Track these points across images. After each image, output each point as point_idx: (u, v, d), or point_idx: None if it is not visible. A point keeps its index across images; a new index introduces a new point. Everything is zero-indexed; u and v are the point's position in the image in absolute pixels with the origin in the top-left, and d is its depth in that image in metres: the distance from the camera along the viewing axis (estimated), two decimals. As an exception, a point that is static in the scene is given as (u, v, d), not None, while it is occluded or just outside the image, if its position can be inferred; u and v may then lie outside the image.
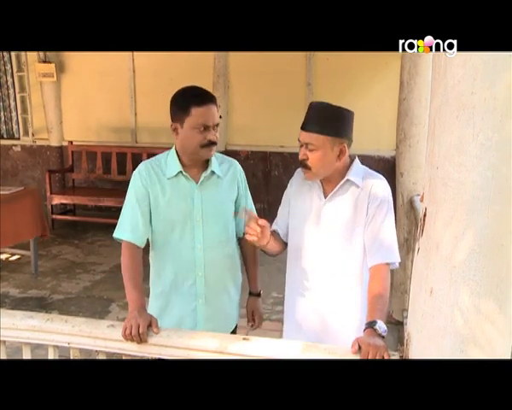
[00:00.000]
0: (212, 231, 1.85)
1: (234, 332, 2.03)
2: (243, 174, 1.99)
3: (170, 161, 1.84)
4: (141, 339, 1.48)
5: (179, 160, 1.83)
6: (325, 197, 1.76)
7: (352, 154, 1.79)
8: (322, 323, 1.80)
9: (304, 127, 1.70)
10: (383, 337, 1.46)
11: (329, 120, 1.67)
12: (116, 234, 1.82)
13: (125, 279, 1.72)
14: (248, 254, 2.06)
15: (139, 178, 1.82)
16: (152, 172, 1.82)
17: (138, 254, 1.79)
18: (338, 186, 1.73)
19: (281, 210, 1.93)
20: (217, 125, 1.78)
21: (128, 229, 1.79)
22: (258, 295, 2.08)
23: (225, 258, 1.92)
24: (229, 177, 1.91)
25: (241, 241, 2.03)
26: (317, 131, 1.66)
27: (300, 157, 1.72)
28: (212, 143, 1.77)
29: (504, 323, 1.10)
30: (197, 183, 1.83)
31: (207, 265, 1.85)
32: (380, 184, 1.73)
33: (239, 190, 1.94)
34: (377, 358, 1.34)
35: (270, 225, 1.77)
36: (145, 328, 1.49)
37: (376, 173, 1.79)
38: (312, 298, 1.81)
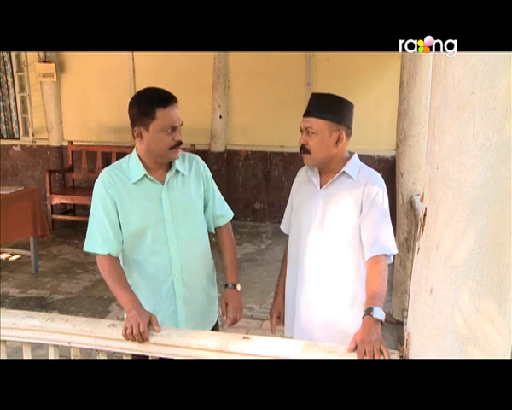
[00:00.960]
0: (185, 230, 1.84)
1: (215, 328, 2.02)
2: (206, 167, 1.97)
3: (132, 166, 1.81)
4: (142, 338, 1.48)
5: (142, 163, 1.80)
6: (321, 188, 1.84)
7: (350, 151, 1.88)
8: (318, 314, 1.84)
9: (305, 115, 1.81)
10: (381, 323, 1.50)
11: (328, 107, 1.77)
12: (87, 247, 1.79)
13: (111, 285, 1.71)
14: (225, 244, 2.01)
15: (103, 187, 1.77)
16: (116, 179, 1.78)
17: (116, 262, 1.77)
18: (334, 177, 1.81)
19: (286, 210, 2.03)
20: (181, 124, 1.78)
21: (99, 241, 1.76)
22: (234, 286, 1.93)
23: (199, 255, 1.92)
24: (194, 173, 1.90)
25: (216, 232, 2.04)
26: (316, 116, 1.76)
27: (300, 142, 1.81)
28: (179, 144, 1.77)
29: (504, 323, 1.11)
30: (163, 184, 1.82)
31: (183, 265, 1.84)
32: (374, 179, 1.79)
33: (204, 184, 1.93)
34: (374, 353, 1.35)
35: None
36: (146, 326, 1.48)
37: (372, 169, 1.85)
38: (307, 288, 1.85)
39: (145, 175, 1.79)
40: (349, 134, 1.81)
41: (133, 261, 1.84)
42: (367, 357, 1.34)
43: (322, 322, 1.83)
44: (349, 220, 1.77)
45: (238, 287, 1.93)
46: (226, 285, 1.95)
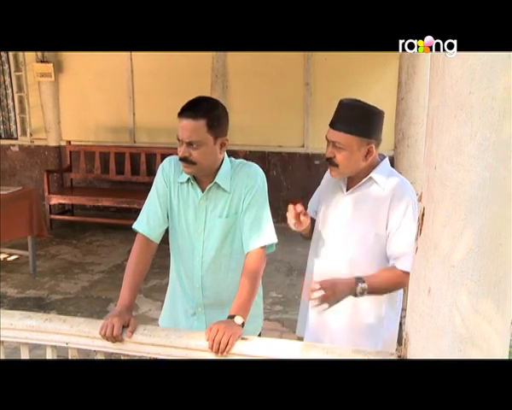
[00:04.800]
0: (213, 245, 1.78)
1: None
2: (257, 183, 1.75)
3: None
4: (115, 340, 1.49)
5: None
6: (347, 191, 1.78)
7: (382, 154, 1.79)
8: (329, 320, 1.81)
9: (332, 125, 1.70)
10: (361, 293, 1.63)
11: (358, 120, 1.66)
12: (134, 225, 1.81)
13: (125, 272, 1.72)
14: (242, 273, 1.70)
15: (161, 173, 1.81)
16: (173, 170, 1.80)
17: (148, 249, 1.77)
18: (361, 182, 1.74)
19: (313, 197, 1.99)
20: (190, 143, 1.64)
21: (144, 221, 1.79)
22: (232, 317, 1.55)
23: (227, 273, 1.82)
24: (236, 188, 1.76)
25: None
26: (344, 131, 1.65)
27: (327, 155, 1.72)
28: (181, 159, 1.68)
29: (502, 322, 1.11)
30: (203, 193, 1.77)
31: (205, 277, 1.81)
32: (402, 190, 1.70)
33: (243, 203, 1.75)
34: (327, 290, 1.56)
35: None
36: (119, 330, 1.49)
37: (401, 177, 1.77)
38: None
39: (189, 179, 1.77)
40: (379, 144, 1.73)
41: (174, 249, 1.88)
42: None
43: (334, 328, 1.80)
44: (370, 229, 1.70)
45: (237, 320, 1.54)
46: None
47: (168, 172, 1.80)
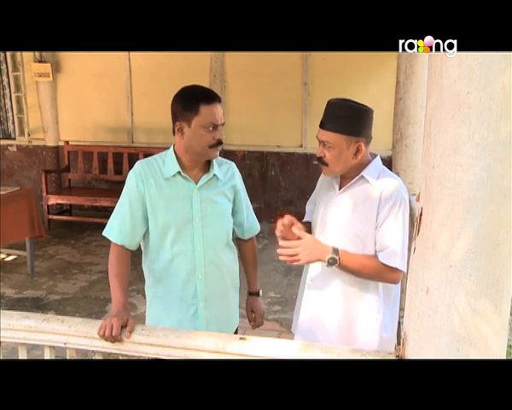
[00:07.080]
0: (212, 232, 1.83)
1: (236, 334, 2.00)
2: (240, 175, 1.99)
3: (168, 161, 1.81)
4: (114, 339, 1.49)
5: (178, 160, 1.80)
6: (339, 190, 1.80)
7: (374, 153, 1.81)
8: (321, 317, 1.82)
9: (322, 125, 1.74)
10: (330, 263, 1.67)
11: (346, 119, 1.68)
12: (105, 232, 1.82)
13: (110, 277, 1.73)
14: (248, 255, 2.08)
15: (134, 179, 1.78)
16: (148, 173, 1.78)
17: (125, 255, 1.79)
18: (352, 181, 1.76)
19: (310, 198, 2.01)
20: (223, 124, 1.77)
21: (116, 229, 1.79)
22: (257, 294, 2.09)
23: (225, 260, 1.90)
24: (228, 179, 1.90)
25: (240, 242, 2.08)
26: (333, 130, 1.69)
27: (318, 154, 1.76)
28: (219, 143, 1.78)
29: (500, 322, 1.11)
30: (196, 184, 1.81)
31: (207, 267, 1.83)
32: (392, 188, 1.71)
33: (236, 192, 1.93)
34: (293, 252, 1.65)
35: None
36: (118, 330, 1.49)
37: (393, 175, 1.79)
38: (313, 290, 1.84)
39: (179, 172, 1.78)
40: (369, 142, 1.75)
41: (157, 258, 1.84)
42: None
43: (325, 324, 1.81)
44: (363, 227, 1.72)
45: (260, 293, 2.09)
46: (250, 293, 2.09)
47: (144, 175, 1.78)
